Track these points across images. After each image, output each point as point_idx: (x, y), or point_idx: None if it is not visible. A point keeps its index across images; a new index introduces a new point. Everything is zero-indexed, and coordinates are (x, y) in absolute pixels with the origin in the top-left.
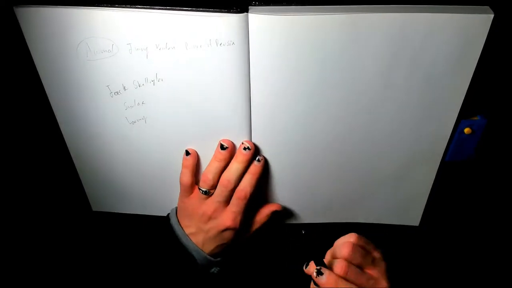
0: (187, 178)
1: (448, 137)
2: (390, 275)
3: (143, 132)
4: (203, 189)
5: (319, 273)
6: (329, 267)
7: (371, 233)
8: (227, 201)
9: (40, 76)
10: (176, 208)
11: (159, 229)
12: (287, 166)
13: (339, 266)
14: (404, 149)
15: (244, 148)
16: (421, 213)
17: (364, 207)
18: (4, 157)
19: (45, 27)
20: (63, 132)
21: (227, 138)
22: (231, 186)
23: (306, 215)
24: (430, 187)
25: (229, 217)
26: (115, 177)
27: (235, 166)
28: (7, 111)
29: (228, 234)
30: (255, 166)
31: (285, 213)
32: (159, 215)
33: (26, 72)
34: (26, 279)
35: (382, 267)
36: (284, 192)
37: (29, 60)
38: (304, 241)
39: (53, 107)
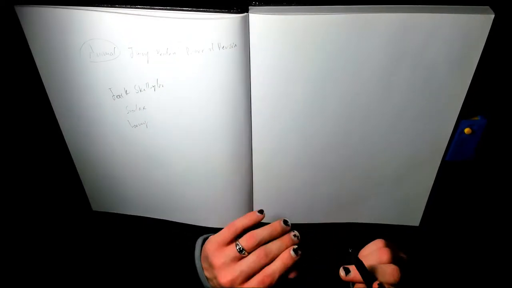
0: (241, 228)
1: (448, 137)
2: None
3: (145, 136)
4: (241, 246)
5: (381, 286)
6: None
7: (371, 233)
8: (250, 275)
9: (41, 77)
10: (205, 239)
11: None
12: (288, 167)
13: (394, 273)
14: (404, 149)
15: (294, 236)
16: (421, 213)
17: (364, 207)
18: (5, 157)
19: (47, 27)
20: (63, 133)
21: (228, 141)
22: (266, 260)
23: (306, 215)
24: (430, 187)
25: None
26: (115, 178)
27: (280, 244)
28: (8, 111)
29: None
30: (290, 258)
31: (285, 213)
32: (158, 218)
33: (27, 72)
34: (26, 279)
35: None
36: (283, 192)
37: (30, 60)
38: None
39: (54, 108)
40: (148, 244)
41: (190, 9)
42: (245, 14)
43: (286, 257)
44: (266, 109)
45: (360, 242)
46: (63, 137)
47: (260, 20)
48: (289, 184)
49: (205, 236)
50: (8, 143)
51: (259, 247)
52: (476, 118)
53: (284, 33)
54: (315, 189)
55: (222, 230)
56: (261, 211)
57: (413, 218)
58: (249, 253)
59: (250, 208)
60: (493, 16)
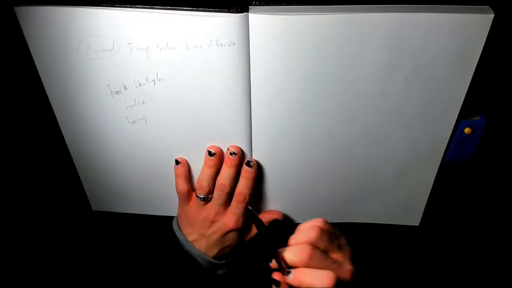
0: (182, 186)
1: (448, 137)
2: (355, 260)
3: (144, 132)
4: (200, 196)
5: (288, 273)
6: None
7: (371, 233)
8: (226, 203)
9: (40, 76)
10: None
11: (161, 235)
12: (287, 166)
13: (304, 251)
14: (404, 149)
15: (231, 153)
16: (421, 213)
17: (364, 207)
18: (4, 157)
19: (46, 27)
20: (63, 132)
21: (226, 139)
22: (226, 189)
23: (306, 215)
24: (430, 187)
25: (231, 219)
26: (115, 176)
27: (227, 171)
28: (7, 110)
29: (231, 236)
30: (247, 171)
31: (285, 212)
32: (159, 214)
33: (26, 72)
34: (26, 278)
35: (347, 252)
36: (283, 192)
37: (29, 59)
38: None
39: (53, 107)
40: (149, 243)
41: (190, 8)
42: (245, 13)
43: (244, 172)
44: (265, 108)
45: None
46: (62, 136)
47: (260, 20)
48: (289, 184)
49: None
50: (8, 142)
51: (214, 184)
52: (476, 118)
53: (284, 33)
54: (314, 188)
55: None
56: (176, 162)
57: (413, 218)
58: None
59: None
60: (492, 15)
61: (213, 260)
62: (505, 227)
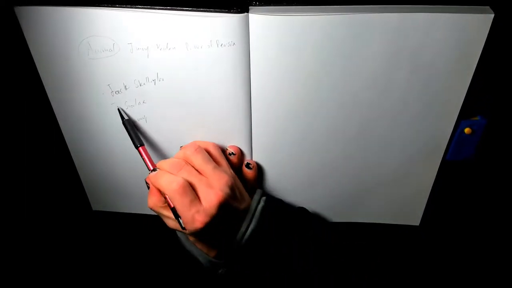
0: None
1: (448, 137)
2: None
3: (144, 131)
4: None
5: (154, 170)
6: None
7: (371, 233)
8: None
9: (40, 76)
10: None
11: (160, 235)
12: (287, 166)
13: (171, 163)
14: (404, 149)
15: (229, 154)
16: (421, 213)
17: (364, 207)
18: (4, 156)
19: (46, 27)
20: (63, 131)
21: (226, 138)
22: None
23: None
24: (431, 187)
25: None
26: (115, 176)
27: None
28: (7, 110)
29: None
30: (248, 173)
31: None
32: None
33: (26, 72)
34: (26, 278)
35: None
36: (283, 192)
37: (29, 59)
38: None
39: (53, 106)
40: (148, 243)
41: (190, 9)
42: (245, 14)
43: (244, 174)
44: (265, 108)
45: (360, 242)
46: (62, 136)
47: (260, 20)
48: (288, 183)
49: None
50: (8, 143)
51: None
52: (476, 118)
53: (284, 33)
54: (314, 188)
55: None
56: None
57: (413, 218)
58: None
59: None
60: (492, 15)
61: (214, 260)
62: (505, 227)
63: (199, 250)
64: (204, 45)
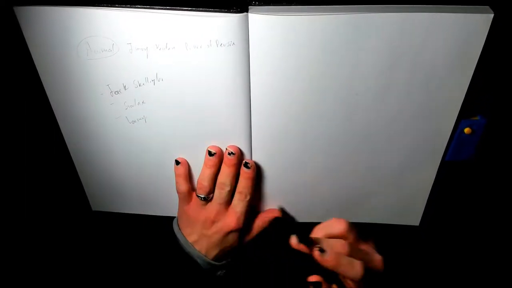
0: (182, 186)
1: (448, 137)
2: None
3: (143, 132)
4: (201, 196)
5: (322, 250)
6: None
7: (371, 233)
8: (227, 202)
9: (40, 76)
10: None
11: (160, 236)
12: (287, 166)
13: (340, 245)
14: (404, 149)
15: (229, 153)
16: (421, 213)
17: (364, 207)
18: (4, 156)
19: (45, 27)
20: (62, 132)
21: (226, 139)
22: (227, 188)
23: (305, 215)
24: (430, 187)
25: (232, 218)
26: (115, 176)
27: (226, 170)
28: (6, 111)
29: (232, 237)
30: (246, 172)
31: (285, 213)
32: (159, 215)
33: (26, 72)
34: (26, 279)
35: (371, 243)
36: (283, 192)
37: (28, 59)
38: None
39: (53, 107)
40: (148, 244)
41: (190, 9)
42: (245, 13)
43: (242, 173)
44: (265, 108)
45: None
46: (62, 136)
47: (259, 20)
48: (288, 184)
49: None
50: (7, 143)
51: (214, 183)
52: (476, 118)
53: (283, 33)
54: (314, 188)
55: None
56: (176, 162)
57: (413, 218)
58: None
59: None
60: (492, 15)
61: (212, 262)
62: (505, 227)
63: (197, 252)
64: (203, 45)
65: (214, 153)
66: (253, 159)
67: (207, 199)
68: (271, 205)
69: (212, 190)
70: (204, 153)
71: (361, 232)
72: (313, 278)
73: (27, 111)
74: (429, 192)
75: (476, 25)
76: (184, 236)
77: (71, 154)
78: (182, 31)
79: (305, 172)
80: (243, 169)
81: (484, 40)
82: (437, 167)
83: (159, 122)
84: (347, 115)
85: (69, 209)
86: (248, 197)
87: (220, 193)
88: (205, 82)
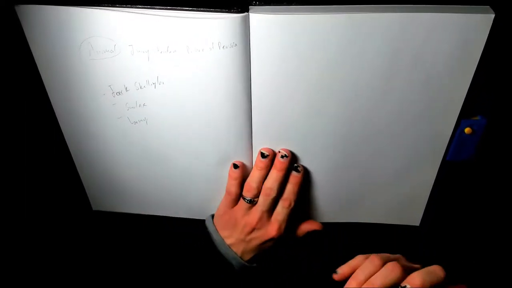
0: (235, 188)
1: (449, 137)
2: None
3: (144, 133)
4: (247, 198)
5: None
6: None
7: (371, 233)
8: (271, 210)
9: (41, 75)
10: (213, 216)
11: (160, 236)
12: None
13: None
14: (404, 149)
15: (282, 156)
16: (421, 213)
17: (364, 207)
18: (4, 156)
19: (47, 26)
20: (63, 131)
21: (227, 140)
22: (273, 194)
23: (305, 215)
24: (431, 187)
25: (274, 227)
26: (115, 176)
27: (275, 174)
28: (7, 110)
29: (270, 243)
30: (295, 177)
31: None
32: (159, 215)
33: (27, 71)
34: (26, 279)
35: (404, 258)
36: None
37: (30, 58)
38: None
39: (54, 106)
40: (150, 243)
41: (190, 9)
42: (246, 13)
43: (291, 177)
44: (266, 109)
45: (360, 242)
46: (63, 135)
47: (260, 20)
48: None
49: (210, 214)
50: (8, 143)
51: (261, 187)
52: (476, 118)
53: (284, 32)
54: (315, 188)
55: (222, 200)
56: (235, 166)
57: (413, 218)
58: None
59: None
60: (493, 16)
61: (247, 264)
62: (505, 227)
63: (234, 254)
64: (205, 48)
65: (267, 155)
66: (254, 159)
67: (253, 202)
68: None
69: (259, 193)
70: (204, 154)
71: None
72: None
73: (28, 110)
74: (429, 192)
75: (477, 25)
76: (221, 237)
77: (72, 154)
78: (184, 34)
79: (305, 172)
80: (293, 173)
81: (485, 40)
82: (438, 167)
83: (160, 124)
84: (347, 115)
85: (69, 209)
86: (292, 205)
87: (265, 200)
88: (206, 85)
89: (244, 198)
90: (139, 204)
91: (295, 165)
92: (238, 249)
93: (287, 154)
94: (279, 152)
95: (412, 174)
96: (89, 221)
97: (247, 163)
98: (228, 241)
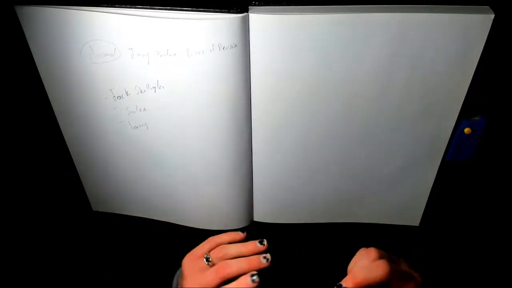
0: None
1: (448, 137)
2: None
3: (145, 137)
4: (208, 256)
5: None
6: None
7: (371, 233)
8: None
9: (42, 78)
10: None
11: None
12: (287, 166)
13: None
14: (404, 149)
15: (263, 258)
16: (421, 213)
17: (364, 207)
18: (5, 157)
19: (47, 28)
20: (63, 133)
21: (227, 140)
22: (224, 275)
23: (306, 215)
24: (430, 187)
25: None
26: (115, 179)
27: (243, 264)
28: (8, 112)
29: None
30: (247, 284)
31: (285, 213)
32: (158, 219)
33: (28, 73)
34: (26, 279)
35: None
36: (283, 192)
37: (30, 60)
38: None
39: (54, 108)
40: (148, 243)
41: (190, 9)
42: (245, 14)
43: (242, 282)
44: (266, 109)
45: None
46: (63, 137)
47: (260, 20)
48: (289, 184)
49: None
50: (8, 144)
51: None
52: (476, 118)
53: (284, 32)
54: (315, 189)
55: (201, 243)
56: (245, 233)
57: (413, 218)
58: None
59: (250, 209)
60: (493, 16)
61: None
62: (505, 227)
63: None
64: (205, 50)
65: (264, 245)
66: (254, 160)
67: (209, 264)
68: (271, 204)
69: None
70: (205, 158)
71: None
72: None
73: (28, 112)
74: (429, 192)
75: (477, 25)
76: (177, 283)
77: (72, 156)
78: (184, 36)
79: (305, 172)
80: (247, 280)
81: (484, 41)
82: (437, 167)
83: (161, 129)
84: (347, 115)
85: (69, 209)
86: (226, 278)
87: (212, 272)
88: (206, 88)
89: (206, 254)
90: (138, 207)
91: (255, 274)
92: None
93: (268, 260)
94: (265, 256)
95: (412, 174)
96: (89, 222)
97: (247, 165)
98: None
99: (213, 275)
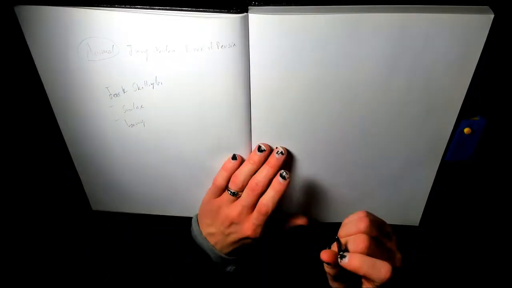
0: (223, 179)
1: (448, 137)
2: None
3: (142, 135)
4: (231, 190)
5: (342, 256)
6: (346, 245)
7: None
8: (253, 206)
9: (40, 76)
10: (197, 215)
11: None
12: (287, 165)
13: (360, 241)
14: (404, 149)
15: (277, 153)
16: (421, 213)
17: (364, 207)
18: (4, 157)
19: (46, 27)
20: (62, 131)
21: (226, 140)
22: (259, 189)
23: (305, 215)
24: (430, 187)
25: (249, 227)
26: (114, 177)
27: (266, 170)
28: (7, 111)
29: (247, 241)
30: (280, 184)
31: (284, 213)
32: (158, 214)
33: (26, 72)
34: (26, 279)
35: (394, 240)
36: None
37: (28, 59)
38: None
39: (53, 107)
40: (148, 243)
41: (189, 9)
42: (245, 14)
43: (276, 183)
44: (265, 109)
45: None
46: (62, 136)
47: (259, 20)
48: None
49: (196, 213)
50: (8, 143)
51: (248, 182)
52: (475, 118)
53: (283, 33)
54: (314, 188)
55: (208, 190)
56: (233, 157)
57: (413, 218)
58: (241, 192)
59: None
60: (492, 16)
61: (224, 256)
62: (505, 227)
63: (210, 245)
64: (204, 47)
65: (264, 150)
66: None
67: (236, 195)
68: None
69: (244, 188)
70: (203, 155)
71: (383, 226)
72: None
73: (27, 111)
74: (429, 192)
75: (476, 25)
76: (198, 226)
77: (71, 154)
78: (182, 33)
79: (304, 172)
80: (278, 180)
81: (484, 41)
82: (437, 167)
83: (158, 127)
84: (347, 115)
85: (69, 209)
86: (269, 213)
87: (248, 195)
88: (205, 85)
89: (228, 190)
90: (138, 204)
91: (283, 171)
92: (216, 240)
93: (283, 152)
94: (276, 148)
95: (412, 174)
96: (89, 221)
97: None
98: (208, 230)
99: (250, 196)
